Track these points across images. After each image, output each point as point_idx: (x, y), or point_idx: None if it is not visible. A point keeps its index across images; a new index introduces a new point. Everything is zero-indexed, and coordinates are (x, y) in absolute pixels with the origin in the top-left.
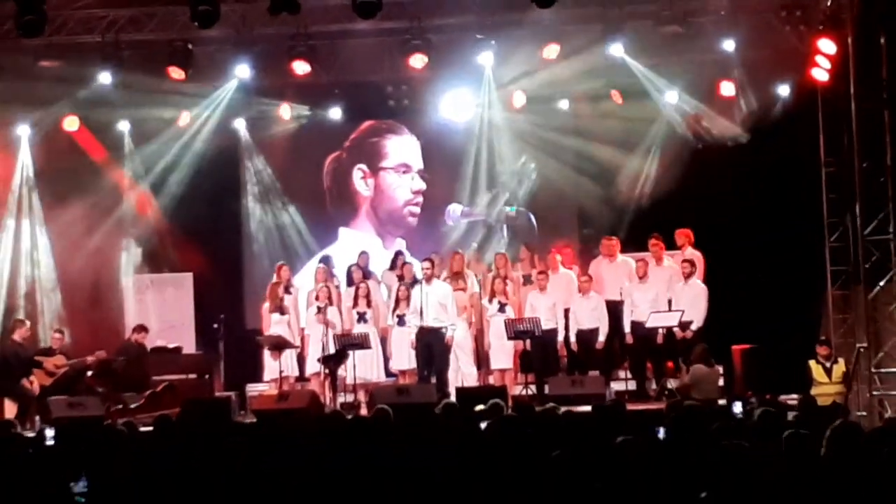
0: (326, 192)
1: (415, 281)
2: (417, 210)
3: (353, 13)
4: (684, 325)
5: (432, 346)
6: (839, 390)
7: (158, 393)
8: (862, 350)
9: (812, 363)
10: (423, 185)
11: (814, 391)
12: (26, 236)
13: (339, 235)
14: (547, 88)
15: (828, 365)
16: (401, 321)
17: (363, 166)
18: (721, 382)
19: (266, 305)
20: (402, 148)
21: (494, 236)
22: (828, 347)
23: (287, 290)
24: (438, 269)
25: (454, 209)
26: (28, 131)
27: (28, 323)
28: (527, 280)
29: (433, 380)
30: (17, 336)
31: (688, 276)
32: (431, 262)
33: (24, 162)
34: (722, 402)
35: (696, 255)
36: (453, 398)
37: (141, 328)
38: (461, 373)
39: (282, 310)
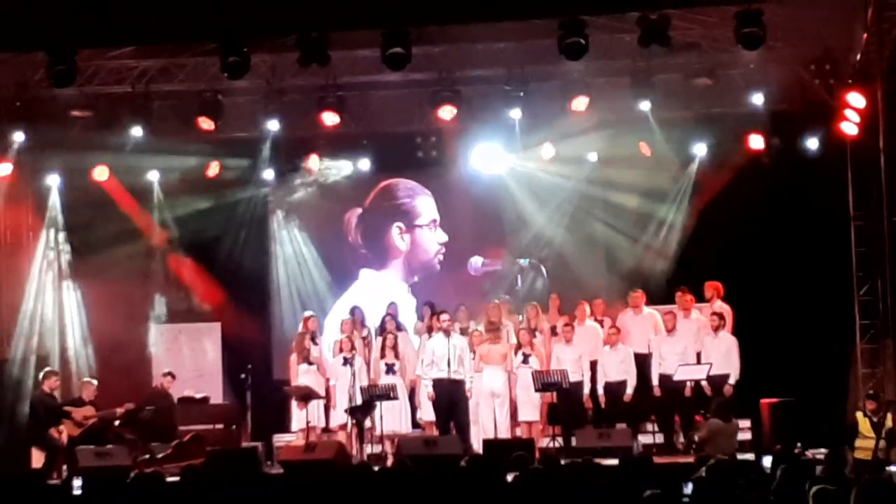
0: (351, 243)
1: (430, 331)
2: (441, 258)
3: (382, 65)
4: (720, 381)
5: (454, 399)
6: (882, 446)
7: (185, 443)
8: (892, 405)
9: (860, 415)
10: (445, 237)
11: (858, 444)
12: (55, 286)
13: (360, 276)
14: (575, 141)
15: (875, 419)
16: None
17: (400, 224)
18: (747, 436)
19: (293, 357)
20: (429, 206)
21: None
22: (875, 401)
23: (314, 341)
24: (464, 320)
25: (475, 261)
26: (58, 180)
27: (58, 374)
28: (553, 331)
29: (453, 431)
30: (46, 387)
31: (717, 329)
32: (453, 314)
33: (54, 211)
34: (749, 456)
35: (725, 308)
36: (478, 449)
37: (168, 374)
38: (497, 422)
39: (309, 360)
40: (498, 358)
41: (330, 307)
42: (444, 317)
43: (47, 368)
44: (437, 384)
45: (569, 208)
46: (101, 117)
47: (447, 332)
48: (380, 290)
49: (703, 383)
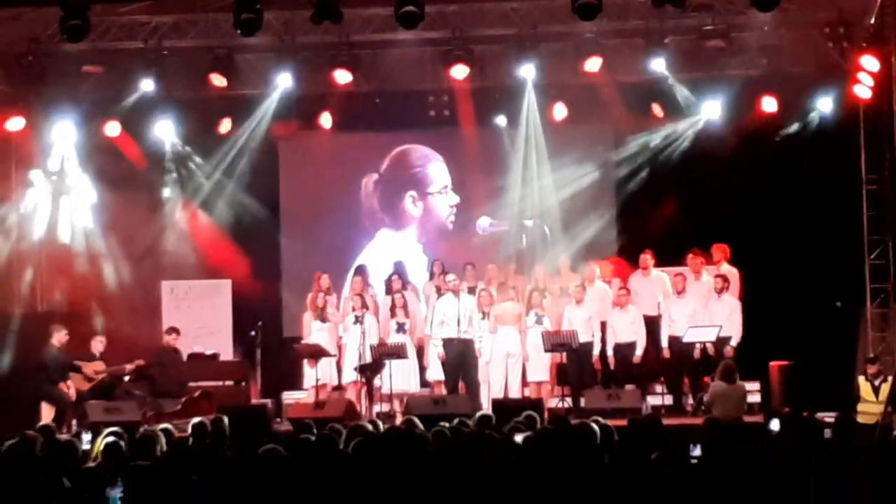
0: (368, 209)
1: (439, 291)
2: (454, 219)
3: (395, 23)
4: (722, 343)
5: (463, 358)
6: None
7: (195, 399)
8: None
9: (861, 380)
10: (457, 199)
11: (860, 408)
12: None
13: (377, 236)
14: (588, 101)
15: (876, 383)
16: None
17: (413, 193)
18: (756, 399)
19: (307, 314)
20: (441, 172)
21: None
22: (877, 366)
23: (327, 298)
24: (471, 279)
25: (483, 221)
26: (70, 134)
27: (66, 329)
28: (563, 292)
29: (462, 391)
30: (56, 341)
31: (720, 292)
32: (460, 274)
33: (65, 161)
34: (757, 418)
35: (732, 272)
36: (486, 409)
37: (172, 330)
38: (509, 381)
39: (323, 318)
40: (512, 318)
41: (344, 264)
42: (450, 277)
43: (57, 324)
44: (447, 344)
45: (580, 169)
46: (113, 73)
47: (455, 293)
48: (395, 250)
49: (708, 345)
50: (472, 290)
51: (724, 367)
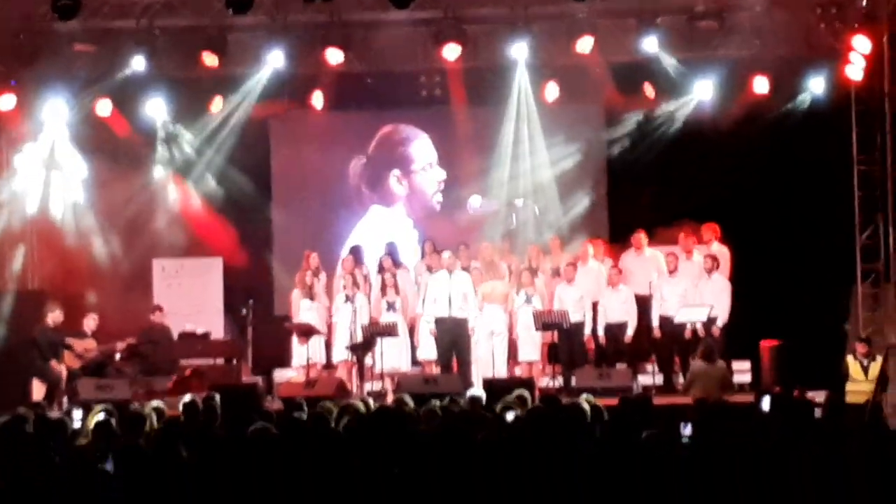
0: (356, 189)
1: (430, 269)
2: (441, 197)
3: (387, 2)
4: (710, 323)
5: (456, 337)
6: (872, 388)
7: (186, 377)
8: (891, 349)
9: (850, 359)
10: (443, 174)
11: (849, 388)
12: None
13: (370, 211)
14: (579, 81)
15: (865, 363)
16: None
17: (397, 172)
18: (747, 378)
19: (295, 292)
20: (424, 148)
21: (508, 226)
22: (867, 345)
23: (316, 277)
24: (465, 258)
25: (474, 200)
26: (61, 113)
27: (60, 309)
28: (555, 272)
29: (454, 370)
30: (50, 320)
31: (710, 271)
32: (454, 253)
33: (56, 140)
34: (748, 398)
35: (722, 251)
36: (477, 389)
37: (156, 308)
38: (495, 361)
39: (311, 296)
40: (500, 297)
41: (336, 242)
42: (445, 255)
43: (51, 303)
44: (440, 322)
45: (571, 149)
46: (105, 52)
47: (450, 270)
48: (387, 227)
49: (698, 325)
50: (465, 270)
51: (705, 346)
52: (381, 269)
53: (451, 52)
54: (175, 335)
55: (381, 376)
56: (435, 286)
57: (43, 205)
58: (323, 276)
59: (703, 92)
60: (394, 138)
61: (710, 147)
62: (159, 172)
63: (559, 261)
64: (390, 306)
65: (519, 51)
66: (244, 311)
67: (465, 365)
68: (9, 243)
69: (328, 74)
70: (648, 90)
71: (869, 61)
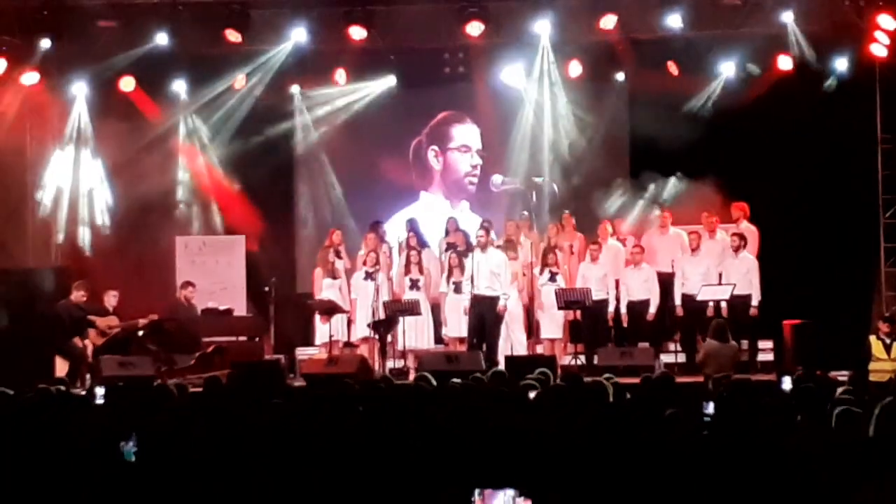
0: (411, 166)
1: (468, 248)
2: (475, 181)
3: None
4: (742, 302)
5: (484, 315)
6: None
7: (209, 354)
8: None
9: (873, 339)
10: (480, 162)
11: (872, 367)
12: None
13: (420, 197)
14: (603, 58)
15: (888, 342)
16: (457, 288)
17: (435, 147)
18: (769, 357)
19: (318, 270)
20: (464, 133)
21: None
22: (890, 325)
23: (338, 255)
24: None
25: (496, 178)
26: (84, 89)
27: (85, 289)
28: (571, 249)
29: (483, 348)
30: (74, 297)
31: (737, 250)
32: (486, 230)
33: (80, 117)
34: (770, 377)
35: (751, 229)
36: (502, 367)
37: (188, 284)
38: (511, 341)
39: (334, 274)
40: (511, 276)
41: (358, 220)
42: (479, 232)
43: (77, 280)
44: (473, 300)
45: (593, 127)
46: (128, 28)
47: (483, 248)
48: (433, 208)
49: (723, 304)
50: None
51: (717, 325)
52: (407, 247)
53: (475, 29)
54: (199, 312)
55: (404, 354)
56: (471, 263)
57: (74, 183)
58: (345, 253)
59: (726, 70)
60: (443, 119)
61: (734, 126)
62: (182, 149)
63: (573, 239)
64: (414, 284)
65: (542, 28)
66: (266, 288)
67: (491, 344)
68: (33, 219)
69: (351, 51)
70: (672, 68)
71: (893, 39)
